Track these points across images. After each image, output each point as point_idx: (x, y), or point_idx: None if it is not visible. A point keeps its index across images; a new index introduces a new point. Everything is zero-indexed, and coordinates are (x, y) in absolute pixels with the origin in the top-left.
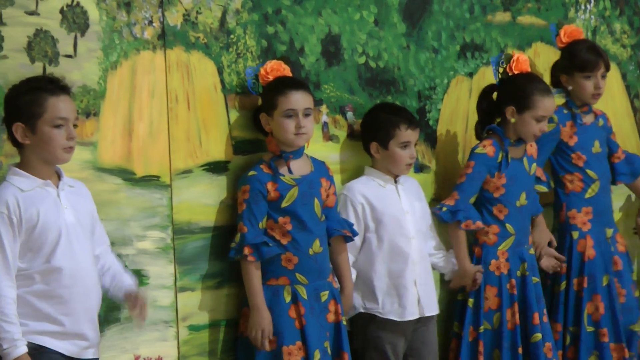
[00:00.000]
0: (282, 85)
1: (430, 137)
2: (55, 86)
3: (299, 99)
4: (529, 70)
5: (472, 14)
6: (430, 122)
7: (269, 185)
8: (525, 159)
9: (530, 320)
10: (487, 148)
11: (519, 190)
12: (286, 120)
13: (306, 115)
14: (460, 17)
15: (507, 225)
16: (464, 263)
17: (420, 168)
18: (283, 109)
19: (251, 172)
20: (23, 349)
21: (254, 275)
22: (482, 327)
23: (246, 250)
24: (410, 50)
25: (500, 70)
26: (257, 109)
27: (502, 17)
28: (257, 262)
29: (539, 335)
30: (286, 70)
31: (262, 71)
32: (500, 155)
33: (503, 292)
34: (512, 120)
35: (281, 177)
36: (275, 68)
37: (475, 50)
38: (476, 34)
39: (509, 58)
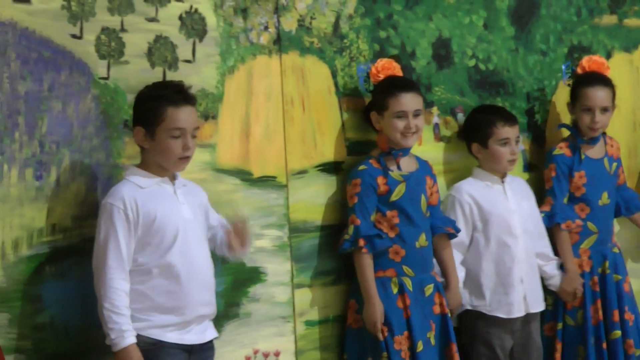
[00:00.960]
0: (393, 87)
1: (538, 137)
2: (180, 97)
3: (409, 101)
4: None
5: (579, 17)
6: (539, 123)
7: (379, 180)
8: (605, 159)
9: (610, 317)
10: (564, 149)
11: (600, 190)
12: (396, 121)
13: (416, 115)
14: (567, 20)
15: (589, 223)
16: (572, 264)
17: (529, 167)
18: (394, 110)
19: (361, 167)
20: (130, 340)
21: (368, 266)
22: (559, 324)
23: (361, 243)
24: (519, 53)
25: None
26: (368, 106)
27: (609, 19)
28: (369, 254)
29: (618, 333)
30: (396, 69)
31: (373, 70)
32: (577, 154)
33: (586, 290)
34: (572, 116)
35: (390, 173)
36: (386, 67)
37: (582, 53)
38: (583, 36)
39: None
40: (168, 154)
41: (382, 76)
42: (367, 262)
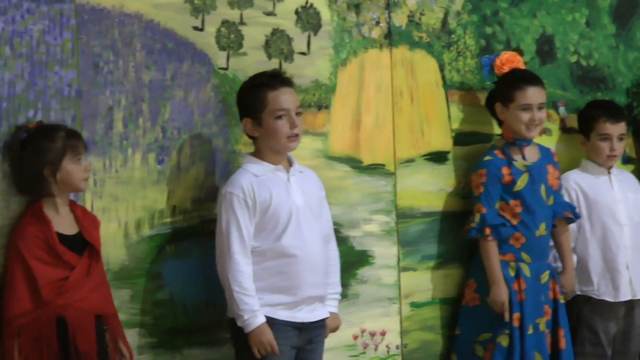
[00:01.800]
0: (520, 80)
1: (637, 131)
2: (276, 80)
3: (535, 94)
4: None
5: None
6: (638, 118)
7: (504, 170)
8: None
9: None
10: None
11: None
12: (522, 113)
13: (540, 108)
14: None
15: None
16: None
17: (627, 160)
18: (520, 103)
19: (487, 157)
20: (262, 319)
21: (493, 253)
22: None
23: (487, 231)
24: (620, 49)
25: None
26: (490, 97)
27: None
28: (495, 241)
29: None
30: (520, 62)
31: (497, 61)
32: None
33: None
34: None
35: (514, 163)
36: (510, 59)
37: None
38: None
39: None
40: (277, 135)
41: (506, 68)
42: (493, 249)
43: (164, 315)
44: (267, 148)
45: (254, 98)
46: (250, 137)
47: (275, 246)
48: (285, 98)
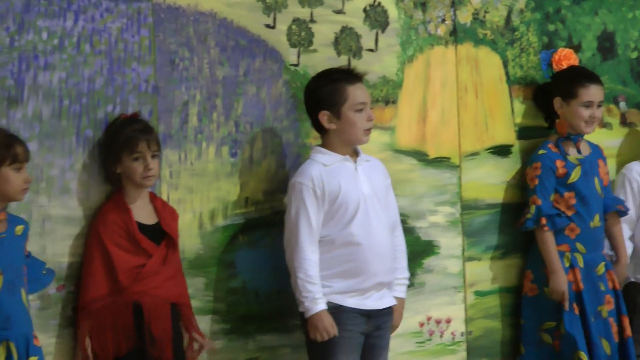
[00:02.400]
0: (583, 78)
1: None
2: (352, 76)
3: (596, 92)
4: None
5: None
6: None
7: (558, 163)
8: None
9: None
10: None
11: None
12: (583, 109)
13: (599, 106)
14: None
15: None
16: None
17: None
18: (582, 99)
19: (541, 151)
20: (322, 307)
21: (550, 242)
22: None
23: (543, 221)
24: None
25: None
26: (543, 90)
27: None
28: (551, 231)
29: None
30: (575, 60)
31: (555, 57)
32: None
33: None
34: None
35: (567, 157)
36: (567, 56)
37: None
38: None
39: None
40: (355, 128)
41: (564, 64)
42: (549, 239)
43: (237, 302)
44: (340, 140)
45: (334, 92)
46: (320, 130)
47: (344, 234)
48: (363, 92)
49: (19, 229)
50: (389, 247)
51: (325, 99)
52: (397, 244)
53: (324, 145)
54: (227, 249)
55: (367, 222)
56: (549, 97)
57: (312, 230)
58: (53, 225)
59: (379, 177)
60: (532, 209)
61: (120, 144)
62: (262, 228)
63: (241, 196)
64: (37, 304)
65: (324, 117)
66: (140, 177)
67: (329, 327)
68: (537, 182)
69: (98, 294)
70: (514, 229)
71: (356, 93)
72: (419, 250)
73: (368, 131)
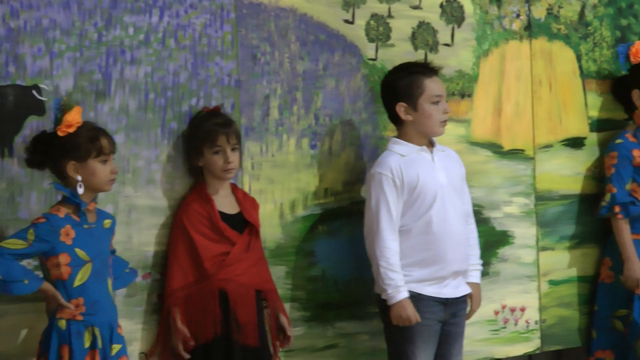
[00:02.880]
0: None
1: None
2: (429, 69)
3: None
4: None
5: None
6: None
7: (635, 152)
8: None
9: None
10: None
11: None
12: None
13: None
14: None
15: None
16: None
17: None
18: None
19: (618, 140)
20: (405, 294)
21: (625, 230)
22: None
23: (616, 209)
24: None
25: None
26: (622, 82)
27: None
28: (625, 219)
29: None
30: None
31: (632, 50)
32: None
33: None
34: None
35: None
36: None
37: None
38: None
39: None
40: (432, 120)
41: None
42: (623, 227)
43: (317, 290)
44: (416, 132)
45: (411, 84)
46: (396, 122)
47: (422, 223)
48: (439, 85)
49: (107, 222)
50: (464, 235)
51: (402, 91)
52: (470, 231)
53: (400, 136)
54: (307, 238)
55: (444, 211)
56: (627, 90)
57: (392, 219)
58: (139, 215)
59: (455, 167)
60: (607, 197)
61: (201, 138)
62: (341, 218)
63: (320, 187)
64: (123, 292)
65: (400, 108)
66: (220, 170)
67: (412, 315)
68: (613, 170)
69: (185, 282)
70: (589, 218)
71: (432, 86)
72: (494, 240)
73: (444, 123)
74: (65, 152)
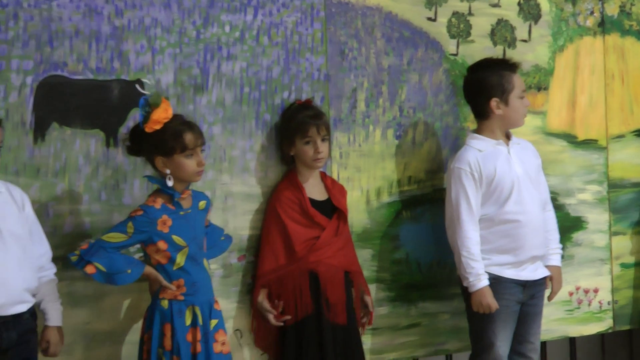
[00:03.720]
0: None
1: None
2: (513, 65)
3: None
4: None
5: None
6: None
7: None
8: None
9: None
10: None
11: None
12: None
13: None
14: None
15: None
16: None
17: None
18: None
19: None
20: (485, 282)
21: None
22: None
23: None
24: None
25: None
26: None
27: None
28: None
29: None
30: None
31: None
32: None
33: None
34: None
35: None
36: None
37: None
38: None
39: None
40: (518, 114)
41: None
42: None
43: (401, 272)
44: (501, 125)
45: (503, 80)
46: (480, 116)
47: (500, 213)
48: (522, 81)
49: (202, 204)
50: (541, 222)
51: (494, 87)
52: (548, 218)
53: (480, 130)
54: (392, 223)
55: (521, 200)
56: None
57: (472, 211)
58: (234, 201)
59: (530, 158)
60: None
61: (294, 129)
62: (424, 204)
63: (404, 175)
64: (220, 273)
65: (493, 103)
66: (310, 159)
67: (491, 303)
68: None
69: (277, 264)
70: None
71: (519, 81)
72: (569, 225)
73: (525, 115)
74: (153, 148)
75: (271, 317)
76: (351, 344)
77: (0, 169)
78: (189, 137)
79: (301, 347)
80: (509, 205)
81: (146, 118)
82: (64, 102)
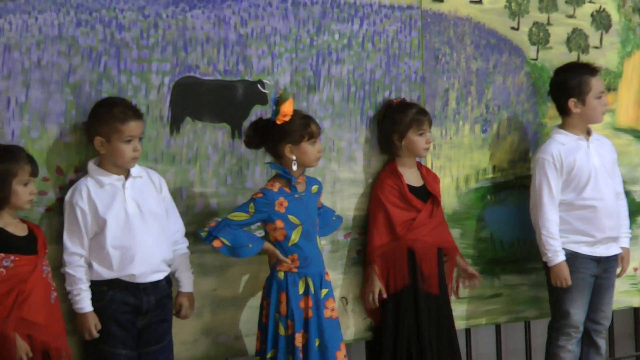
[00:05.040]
0: None
1: None
2: (593, 69)
3: None
4: None
5: None
6: None
7: None
8: None
9: None
10: None
11: None
12: None
13: None
14: None
15: None
16: None
17: None
18: None
19: None
20: (561, 258)
21: None
22: None
23: None
24: None
25: None
26: None
27: None
28: None
29: None
30: None
31: None
32: None
33: None
34: None
35: None
36: None
37: None
38: None
39: None
40: (596, 112)
41: None
42: None
43: (486, 249)
44: (581, 122)
45: (581, 83)
46: (563, 113)
47: (579, 199)
48: (601, 83)
49: (314, 188)
50: (615, 209)
51: (573, 88)
52: (621, 206)
53: (563, 125)
54: (478, 206)
55: (598, 188)
56: None
57: (553, 196)
58: (342, 186)
59: (608, 153)
60: None
61: (408, 123)
62: (506, 190)
63: (490, 164)
64: (328, 248)
65: (571, 103)
66: (421, 148)
67: (567, 277)
68: None
69: (382, 242)
70: None
71: (597, 84)
72: (634, 210)
73: (604, 113)
74: (282, 137)
75: (377, 288)
76: (442, 311)
77: (141, 157)
78: (313, 127)
79: (399, 314)
80: (587, 192)
81: (276, 111)
82: (196, 100)
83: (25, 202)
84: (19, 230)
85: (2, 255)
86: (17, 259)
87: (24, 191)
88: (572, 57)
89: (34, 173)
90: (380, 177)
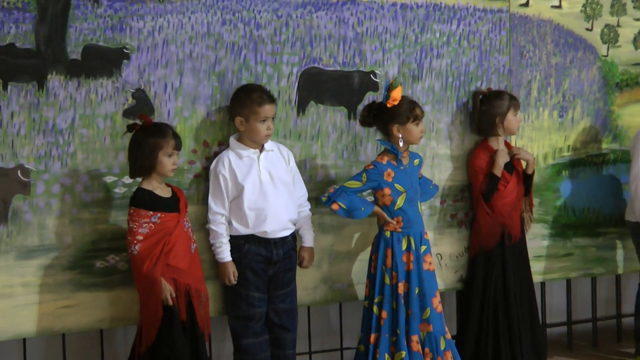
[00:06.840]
0: None
1: None
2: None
3: None
4: None
5: None
6: None
7: None
8: None
9: None
10: None
11: None
12: None
13: None
14: None
15: None
16: None
17: None
18: None
19: None
20: None
21: None
22: None
23: None
24: None
25: None
26: None
27: None
28: None
29: None
30: None
31: None
32: None
33: None
34: None
35: None
36: None
37: None
38: None
39: None
40: None
41: None
42: None
43: (560, 215)
44: None
45: None
46: None
47: None
48: None
49: (416, 161)
50: None
51: None
52: None
53: None
54: (554, 180)
55: None
56: None
57: None
58: (439, 161)
59: None
60: None
61: (508, 105)
62: (578, 166)
63: (565, 144)
64: (427, 212)
65: None
66: (515, 127)
67: None
68: None
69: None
70: None
71: None
72: None
73: None
74: (391, 118)
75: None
76: (522, 259)
77: (273, 134)
78: (418, 111)
79: (488, 267)
80: None
81: (387, 96)
82: (319, 87)
83: (169, 170)
84: (165, 192)
85: (151, 212)
86: (163, 215)
87: (168, 161)
88: (638, 54)
89: (178, 147)
90: (474, 153)
